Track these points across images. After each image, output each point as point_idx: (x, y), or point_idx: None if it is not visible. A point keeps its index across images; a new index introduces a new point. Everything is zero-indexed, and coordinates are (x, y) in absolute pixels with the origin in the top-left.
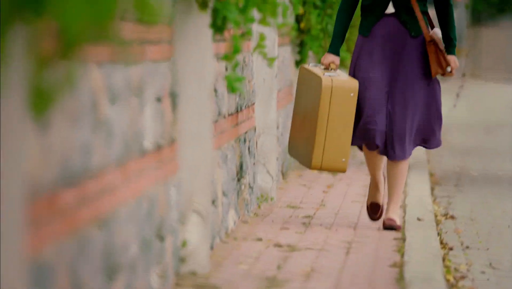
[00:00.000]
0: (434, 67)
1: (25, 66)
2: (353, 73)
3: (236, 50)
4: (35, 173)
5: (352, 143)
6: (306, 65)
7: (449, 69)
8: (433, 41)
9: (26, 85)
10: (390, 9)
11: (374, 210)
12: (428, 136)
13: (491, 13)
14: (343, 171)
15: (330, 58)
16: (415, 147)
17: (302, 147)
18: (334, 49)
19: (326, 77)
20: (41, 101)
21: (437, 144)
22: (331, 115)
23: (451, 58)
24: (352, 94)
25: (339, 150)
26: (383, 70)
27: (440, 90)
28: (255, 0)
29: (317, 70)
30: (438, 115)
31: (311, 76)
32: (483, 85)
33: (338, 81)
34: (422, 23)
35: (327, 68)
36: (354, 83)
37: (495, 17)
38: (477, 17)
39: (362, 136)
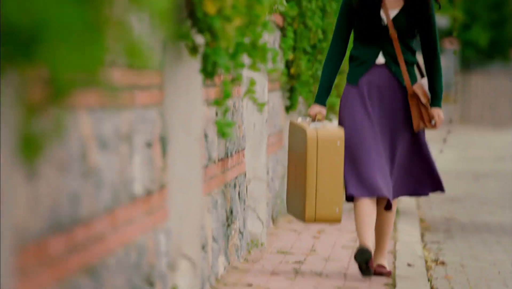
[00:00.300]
0: (416, 121)
1: (14, 113)
2: (342, 122)
3: (226, 95)
4: (24, 220)
5: (349, 194)
6: (293, 120)
7: (432, 122)
8: (415, 95)
9: (16, 132)
10: (381, 59)
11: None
12: (417, 184)
13: (480, 59)
14: (338, 221)
15: (317, 109)
16: (401, 195)
17: (296, 202)
18: (320, 100)
19: (311, 129)
20: (30, 149)
21: (428, 190)
22: (320, 166)
23: (435, 111)
24: (338, 143)
25: (331, 200)
26: (373, 117)
27: (425, 140)
28: (245, 46)
29: (304, 122)
30: (428, 161)
31: (297, 130)
32: (471, 132)
33: (323, 132)
34: (405, 75)
35: (314, 119)
36: (340, 132)
37: (484, 64)
38: (466, 64)
39: (362, 183)
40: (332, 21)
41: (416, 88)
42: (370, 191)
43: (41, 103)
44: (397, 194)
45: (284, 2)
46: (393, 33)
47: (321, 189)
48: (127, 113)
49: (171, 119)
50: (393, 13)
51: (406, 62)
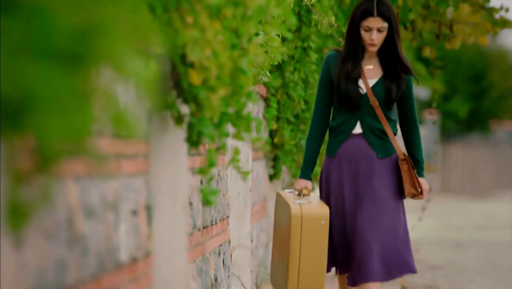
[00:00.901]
0: (407, 187)
1: (2, 181)
2: (322, 197)
3: (211, 164)
4: (11, 288)
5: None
6: (281, 191)
7: (419, 190)
8: (406, 159)
9: (3, 200)
10: (358, 129)
11: None
12: (396, 261)
13: (460, 130)
14: None
15: (302, 183)
16: (386, 276)
17: (279, 276)
18: (305, 174)
19: (296, 206)
20: (17, 217)
21: (409, 269)
22: (303, 245)
23: (420, 180)
24: (323, 222)
25: (314, 280)
26: (350, 192)
27: (405, 215)
28: (230, 116)
29: (290, 197)
30: (405, 239)
31: (283, 204)
32: (452, 201)
33: (308, 210)
34: (394, 142)
35: (299, 194)
36: (325, 211)
37: (464, 134)
38: (446, 134)
39: (344, 264)
40: (315, 91)
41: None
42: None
43: (29, 172)
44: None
45: (268, 73)
46: (373, 101)
47: (304, 268)
48: (113, 181)
49: (156, 187)
50: (371, 82)
51: (386, 133)
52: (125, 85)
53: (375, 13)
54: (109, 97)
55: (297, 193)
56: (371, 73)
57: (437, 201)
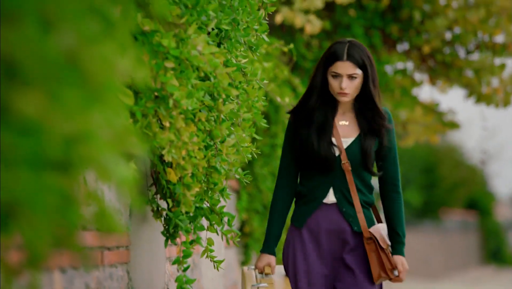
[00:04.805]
0: (375, 270)
1: None
2: (289, 272)
3: (186, 254)
4: None
5: None
6: (245, 268)
7: (396, 272)
8: (372, 238)
9: None
10: (331, 197)
11: None
12: None
13: (414, 218)
14: None
15: (265, 260)
16: None
17: None
18: (269, 249)
19: None
20: None
21: None
22: None
23: (398, 259)
24: None
25: None
26: (323, 269)
27: None
28: (204, 210)
29: (250, 277)
30: None
31: (243, 286)
32: (407, 284)
33: None
34: (360, 215)
35: (261, 272)
36: None
37: (418, 222)
38: None
39: None
40: None
41: (373, 231)
42: None
43: (17, 266)
44: None
45: (240, 170)
46: (346, 165)
47: None
48: (97, 271)
49: (136, 276)
50: (346, 142)
51: (361, 202)
52: (108, 184)
53: (345, 57)
54: (94, 197)
55: (258, 271)
56: (346, 131)
57: (394, 285)
